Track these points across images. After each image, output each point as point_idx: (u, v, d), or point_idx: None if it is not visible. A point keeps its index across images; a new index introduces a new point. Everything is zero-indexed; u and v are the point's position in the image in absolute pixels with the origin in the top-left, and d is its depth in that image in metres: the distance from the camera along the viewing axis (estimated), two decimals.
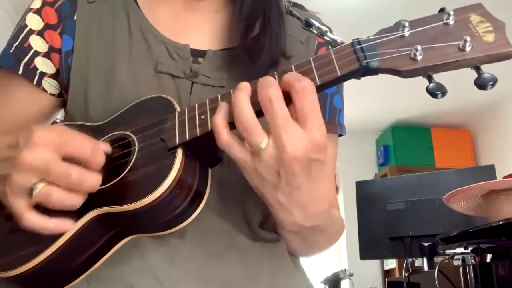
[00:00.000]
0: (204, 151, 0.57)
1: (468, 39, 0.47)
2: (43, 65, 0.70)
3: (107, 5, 0.71)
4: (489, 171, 2.07)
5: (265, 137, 0.49)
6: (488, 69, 0.49)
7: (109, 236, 0.56)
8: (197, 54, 0.69)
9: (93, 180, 0.52)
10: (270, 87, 0.48)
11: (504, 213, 1.55)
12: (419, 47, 0.48)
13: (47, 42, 0.70)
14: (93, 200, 0.54)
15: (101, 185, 0.55)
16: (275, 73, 0.53)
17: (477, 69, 0.48)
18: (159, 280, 0.56)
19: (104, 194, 0.55)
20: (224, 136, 0.51)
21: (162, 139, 0.56)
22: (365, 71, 0.50)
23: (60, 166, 0.51)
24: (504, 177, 3.16)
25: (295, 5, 0.77)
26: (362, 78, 0.53)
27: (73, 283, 0.56)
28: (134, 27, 0.70)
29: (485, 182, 1.58)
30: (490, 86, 0.48)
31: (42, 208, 0.52)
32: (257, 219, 0.65)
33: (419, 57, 0.48)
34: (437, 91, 0.49)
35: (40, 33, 0.70)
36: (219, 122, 0.51)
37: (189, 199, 0.55)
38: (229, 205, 0.63)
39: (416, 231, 2.07)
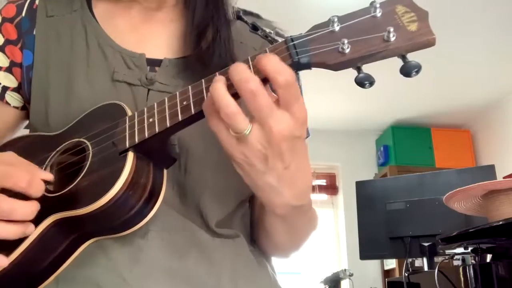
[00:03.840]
0: (157, 152, 0.59)
1: (392, 29, 0.49)
2: (6, 79, 0.73)
3: (65, 19, 0.73)
4: (489, 171, 2.07)
5: (248, 124, 0.50)
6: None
7: (70, 240, 0.58)
8: (154, 63, 0.71)
9: (26, 210, 0.54)
10: (250, 81, 0.48)
11: (504, 213, 1.55)
12: (346, 41, 0.50)
13: (8, 57, 0.72)
14: (51, 207, 0.56)
15: (57, 192, 0.57)
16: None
17: (403, 57, 0.50)
18: (124, 278, 0.59)
19: (60, 200, 0.57)
20: (213, 121, 0.52)
21: (113, 143, 0.58)
22: (298, 66, 0.52)
23: None
24: (504, 177, 3.16)
25: (251, 13, 0.80)
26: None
27: (39, 287, 0.58)
28: (91, 40, 0.72)
29: (485, 182, 1.58)
30: (414, 73, 0.49)
31: None
32: (213, 220, 0.67)
33: (347, 50, 0.50)
34: (365, 81, 0.51)
35: (1, 49, 0.72)
36: (207, 107, 0.52)
37: (143, 199, 0.57)
38: (188, 206, 0.66)
39: (416, 231, 2.07)
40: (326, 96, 4.12)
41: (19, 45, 0.72)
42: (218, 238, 0.66)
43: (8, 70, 0.72)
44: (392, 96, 4.25)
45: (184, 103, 0.55)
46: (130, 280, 0.59)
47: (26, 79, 0.71)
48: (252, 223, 0.75)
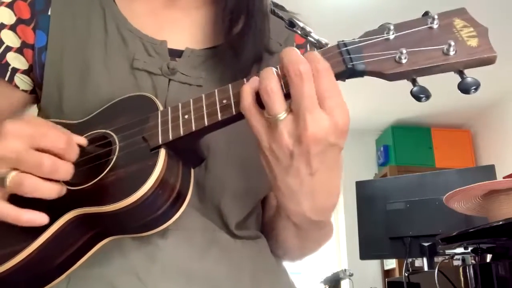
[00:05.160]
0: (187, 151, 0.56)
1: (452, 43, 0.48)
2: (15, 60, 0.69)
3: (82, 0, 0.70)
4: (489, 171, 2.07)
5: (285, 111, 0.48)
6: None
7: (89, 236, 0.55)
8: (174, 53, 0.67)
9: (67, 169, 0.52)
10: (302, 63, 0.47)
11: (504, 213, 1.55)
12: (404, 51, 0.48)
13: (19, 38, 0.68)
14: (73, 200, 0.53)
15: (81, 185, 0.54)
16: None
17: (461, 73, 0.49)
18: (140, 277, 0.56)
19: (84, 194, 0.54)
20: (247, 100, 0.50)
21: (144, 139, 0.55)
22: (351, 73, 0.50)
23: (32, 154, 0.51)
24: (504, 177, 3.16)
25: (276, 6, 0.77)
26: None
27: (52, 283, 0.55)
28: (110, 23, 0.68)
29: (485, 182, 1.58)
30: (473, 90, 0.48)
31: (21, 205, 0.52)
32: (233, 221, 0.64)
33: (403, 61, 0.48)
34: (421, 95, 0.49)
35: (12, 28, 0.68)
36: (247, 88, 0.50)
37: (171, 199, 0.54)
38: (207, 205, 0.63)
39: (416, 231, 2.07)
40: None
41: (31, 25, 0.68)
42: (239, 239, 0.64)
43: (19, 51, 0.68)
44: (392, 96, 4.25)
45: (224, 101, 0.52)
46: (146, 280, 0.56)
47: (37, 62, 0.67)
48: (263, 223, 0.72)
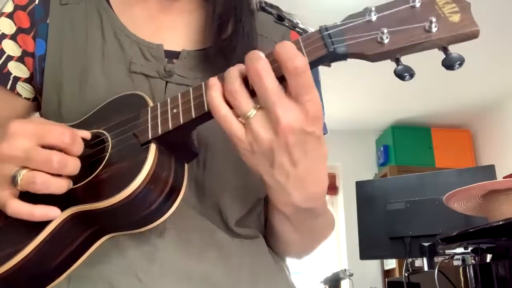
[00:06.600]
0: (179, 145, 0.57)
1: (434, 20, 0.47)
2: (17, 69, 0.70)
3: (79, 7, 0.71)
4: (489, 171, 2.07)
5: (253, 108, 0.49)
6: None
7: (86, 235, 0.56)
8: (172, 55, 0.69)
9: (75, 163, 0.53)
10: (259, 60, 0.48)
11: (504, 213, 1.55)
12: (385, 30, 0.48)
13: (20, 47, 0.70)
14: (68, 199, 0.54)
15: (75, 184, 0.55)
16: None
17: (445, 49, 0.48)
18: (139, 278, 0.56)
19: (78, 192, 0.55)
20: (221, 110, 0.50)
21: (134, 135, 0.56)
22: (334, 56, 0.50)
23: (40, 152, 0.52)
24: (504, 177, 3.16)
25: (271, 6, 0.78)
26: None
27: (52, 284, 0.56)
28: (107, 29, 0.70)
29: (485, 182, 1.58)
30: (457, 65, 0.47)
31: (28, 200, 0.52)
32: (232, 219, 0.65)
33: (385, 40, 0.48)
34: (405, 73, 0.49)
35: (13, 37, 0.70)
36: (214, 94, 0.50)
37: (164, 194, 0.54)
38: (206, 204, 0.64)
39: (416, 231, 2.07)
40: (326, 95, 4.12)
41: (31, 34, 0.70)
42: (237, 239, 0.65)
43: (20, 59, 0.70)
44: (392, 96, 4.25)
45: None
46: (145, 280, 0.56)
47: (38, 70, 0.69)
48: (265, 224, 0.72)
